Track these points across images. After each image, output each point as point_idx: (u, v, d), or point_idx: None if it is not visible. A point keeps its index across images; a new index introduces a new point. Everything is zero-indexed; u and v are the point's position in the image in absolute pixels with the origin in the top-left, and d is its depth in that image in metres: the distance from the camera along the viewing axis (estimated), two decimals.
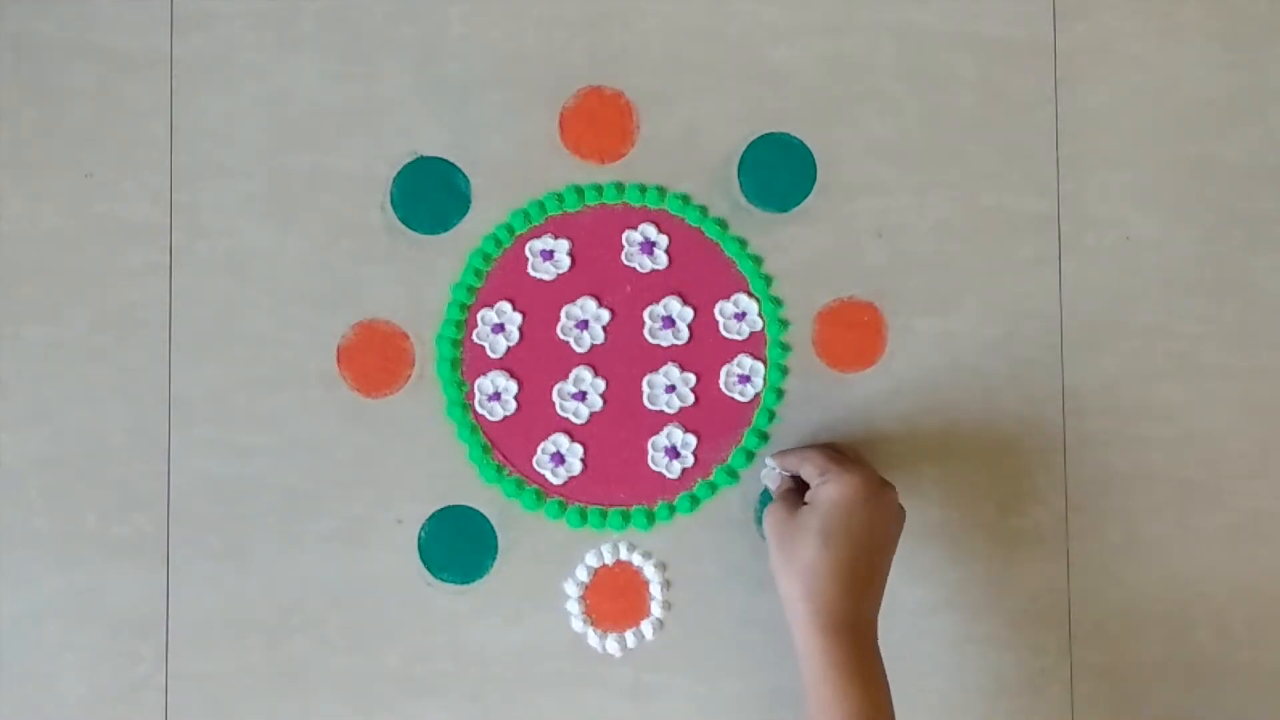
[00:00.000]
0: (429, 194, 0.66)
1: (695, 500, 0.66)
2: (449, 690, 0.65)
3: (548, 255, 0.66)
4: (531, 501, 0.66)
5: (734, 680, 0.65)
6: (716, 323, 0.66)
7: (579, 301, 0.66)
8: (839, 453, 0.62)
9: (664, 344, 0.66)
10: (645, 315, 0.66)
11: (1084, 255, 0.67)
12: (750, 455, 0.66)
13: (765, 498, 0.65)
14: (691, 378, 0.66)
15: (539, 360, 0.66)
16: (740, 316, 0.66)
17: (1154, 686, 0.66)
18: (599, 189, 0.66)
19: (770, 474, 0.65)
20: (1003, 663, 0.66)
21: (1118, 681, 0.66)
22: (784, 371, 0.66)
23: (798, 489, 0.62)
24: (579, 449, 0.66)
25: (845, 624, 0.56)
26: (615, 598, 0.66)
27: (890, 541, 0.59)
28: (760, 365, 0.66)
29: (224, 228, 0.66)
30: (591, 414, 0.66)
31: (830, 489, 0.58)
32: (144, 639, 0.65)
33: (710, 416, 0.66)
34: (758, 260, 0.66)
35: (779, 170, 0.67)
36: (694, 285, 0.66)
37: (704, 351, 0.66)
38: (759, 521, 0.65)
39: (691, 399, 0.66)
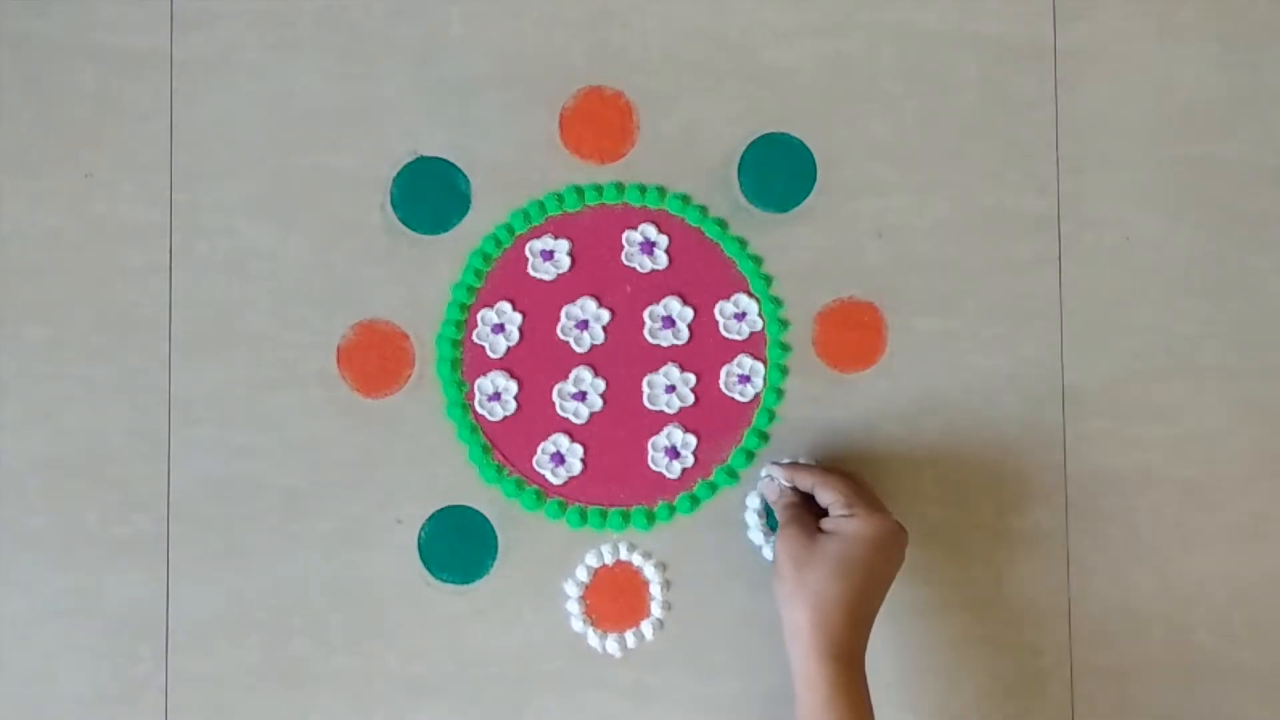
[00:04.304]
0: (429, 194, 0.66)
1: (695, 500, 0.66)
2: (449, 690, 0.65)
3: (548, 255, 0.66)
4: (531, 501, 0.66)
5: (734, 680, 0.65)
6: (716, 323, 0.66)
7: (579, 301, 0.66)
8: (857, 483, 0.62)
9: (664, 344, 0.66)
10: (645, 315, 0.66)
11: (1084, 255, 0.67)
12: (750, 455, 0.66)
13: (770, 512, 0.65)
14: (691, 378, 0.66)
15: (539, 360, 0.66)
16: (740, 316, 0.66)
17: (1154, 686, 0.66)
18: (599, 189, 0.66)
19: (769, 484, 0.64)
20: (1003, 663, 0.66)
21: (1118, 681, 0.66)
22: (784, 371, 0.66)
23: (804, 507, 0.62)
24: (579, 449, 0.66)
25: (846, 654, 0.57)
26: (615, 598, 0.66)
27: (888, 583, 0.60)
28: (760, 365, 0.66)
29: (224, 228, 0.66)
30: (591, 414, 0.66)
31: (858, 525, 0.59)
32: (144, 639, 0.65)
33: (710, 416, 0.66)
34: (758, 260, 0.66)
35: (779, 170, 0.67)
36: (694, 285, 0.66)
37: (704, 351, 0.66)
38: (767, 518, 0.65)
39: (691, 399, 0.66)
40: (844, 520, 0.59)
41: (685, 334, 0.66)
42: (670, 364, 0.66)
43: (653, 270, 0.66)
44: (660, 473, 0.66)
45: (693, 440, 0.66)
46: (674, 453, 0.66)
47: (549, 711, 0.65)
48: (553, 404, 0.66)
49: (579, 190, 0.66)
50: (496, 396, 0.66)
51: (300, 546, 0.65)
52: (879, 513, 0.60)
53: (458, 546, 0.65)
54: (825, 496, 0.61)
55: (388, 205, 0.66)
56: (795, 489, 0.63)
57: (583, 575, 0.65)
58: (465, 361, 0.66)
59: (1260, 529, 0.67)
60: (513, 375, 0.66)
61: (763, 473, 0.65)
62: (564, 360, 0.66)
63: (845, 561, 0.58)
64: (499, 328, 0.66)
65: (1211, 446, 0.67)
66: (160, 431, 0.65)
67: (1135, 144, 0.67)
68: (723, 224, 0.66)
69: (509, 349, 0.66)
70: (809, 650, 0.57)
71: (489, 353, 0.66)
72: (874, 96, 0.67)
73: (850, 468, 0.65)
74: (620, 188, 0.66)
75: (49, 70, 0.66)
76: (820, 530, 0.60)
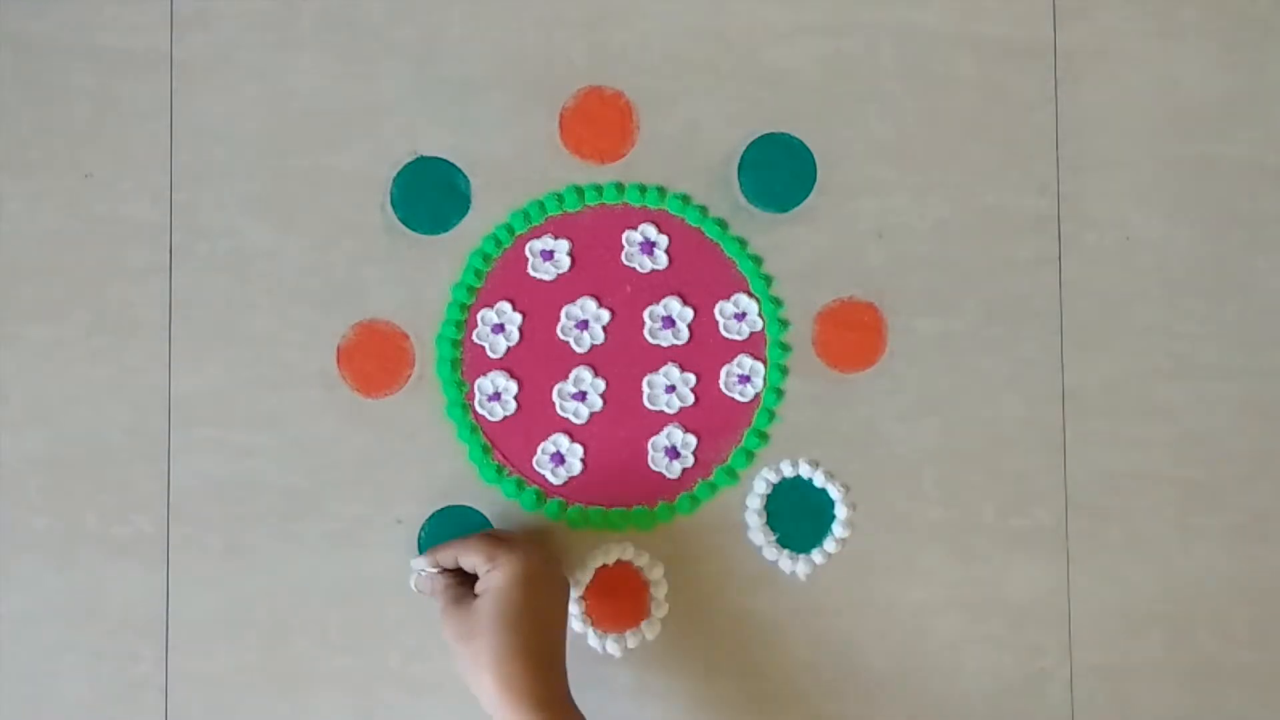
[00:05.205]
0: (429, 194, 0.66)
1: (695, 500, 0.66)
2: (449, 690, 0.65)
3: (548, 255, 0.66)
4: (531, 501, 0.66)
5: (734, 680, 0.65)
6: (716, 323, 0.66)
7: (579, 301, 0.66)
8: (498, 536, 0.61)
9: (664, 344, 0.66)
10: (645, 315, 0.66)
11: (1084, 255, 0.67)
12: (750, 455, 0.66)
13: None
14: (691, 378, 0.66)
15: (539, 360, 0.66)
16: (740, 316, 0.66)
17: (1154, 686, 0.66)
18: (599, 189, 0.66)
19: (420, 578, 0.62)
20: (1003, 663, 0.66)
21: (1118, 681, 0.66)
22: (784, 372, 0.66)
23: (460, 584, 0.61)
24: (579, 449, 0.66)
25: (544, 701, 0.56)
26: (615, 598, 0.66)
27: (563, 614, 0.60)
28: (760, 365, 0.66)
29: (224, 228, 0.66)
30: (591, 414, 0.66)
31: (500, 574, 0.58)
32: (144, 639, 0.65)
33: (710, 417, 0.66)
34: (758, 260, 0.66)
35: (779, 170, 0.67)
36: (694, 285, 0.66)
37: (704, 351, 0.66)
38: (768, 518, 0.65)
39: (691, 399, 0.66)
40: (491, 575, 0.58)
41: (685, 334, 0.66)
42: (670, 364, 0.66)
43: (653, 270, 0.66)
44: (660, 473, 0.66)
45: (693, 440, 0.66)
46: (674, 453, 0.66)
47: None
48: (553, 404, 0.66)
49: (579, 190, 0.66)
50: (496, 396, 0.66)
51: (300, 546, 0.65)
52: (517, 550, 0.58)
53: None
54: (468, 562, 0.60)
55: (388, 205, 0.66)
56: (445, 570, 0.62)
57: (582, 575, 0.65)
58: (465, 361, 0.66)
59: (1260, 529, 0.67)
60: (513, 375, 0.66)
61: (412, 566, 0.63)
62: (564, 360, 0.66)
63: (504, 613, 0.57)
64: (499, 328, 0.66)
65: (1211, 446, 0.67)
66: (160, 431, 0.65)
67: (1135, 144, 0.67)
68: (723, 224, 0.66)
69: (509, 349, 0.66)
70: (506, 711, 0.55)
71: (489, 353, 0.66)
72: (874, 96, 0.67)
73: (850, 467, 0.65)
74: (620, 188, 0.66)
75: (49, 70, 0.66)
76: (475, 596, 0.59)
